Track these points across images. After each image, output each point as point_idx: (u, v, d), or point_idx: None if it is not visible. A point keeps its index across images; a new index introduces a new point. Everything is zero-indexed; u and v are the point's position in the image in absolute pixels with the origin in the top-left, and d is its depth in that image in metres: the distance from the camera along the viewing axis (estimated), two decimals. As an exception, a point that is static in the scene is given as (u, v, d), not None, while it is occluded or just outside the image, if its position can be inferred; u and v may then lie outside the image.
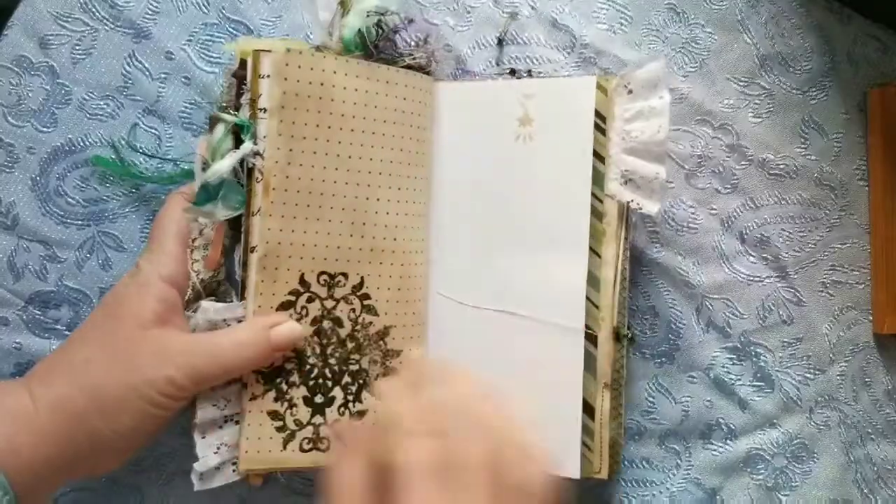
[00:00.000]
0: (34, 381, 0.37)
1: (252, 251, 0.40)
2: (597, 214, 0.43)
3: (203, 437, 0.40)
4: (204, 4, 0.47)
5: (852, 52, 0.49)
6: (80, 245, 0.46)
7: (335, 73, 0.41)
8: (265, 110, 0.40)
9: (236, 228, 0.41)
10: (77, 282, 0.45)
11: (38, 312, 0.45)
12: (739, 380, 0.48)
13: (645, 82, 0.43)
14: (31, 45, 0.45)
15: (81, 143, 0.46)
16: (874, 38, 0.49)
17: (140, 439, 0.39)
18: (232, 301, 0.41)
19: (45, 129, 0.45)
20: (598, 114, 0.44)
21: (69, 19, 0.46)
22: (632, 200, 0.43)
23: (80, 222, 0.46)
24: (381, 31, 0.43)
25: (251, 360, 0.39)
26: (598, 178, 0.44)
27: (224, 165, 0.39)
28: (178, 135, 0.46)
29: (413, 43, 0.45)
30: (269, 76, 0.40)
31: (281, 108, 0.40)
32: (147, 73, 0.46)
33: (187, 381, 0.37)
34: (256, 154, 0.40)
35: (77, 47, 0.46)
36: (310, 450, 0.41)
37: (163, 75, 0.46)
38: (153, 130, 0.46)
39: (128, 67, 0.46)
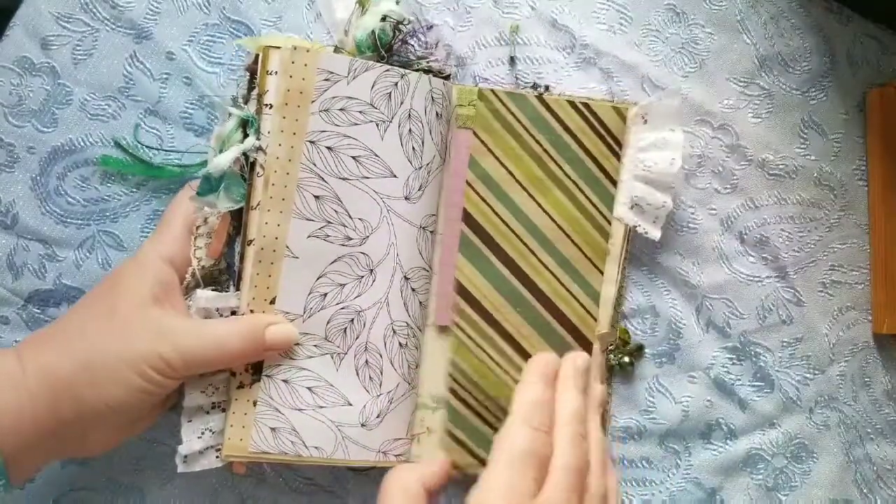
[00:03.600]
0: (25, 347, 0.38)
1: (249, 244, 0.41)
2: (604, 235, 0.46)
3: (189, 422, 0.40)
4: (205, 5, 0.47)
5: (852, 52, 0.49)
6: (79, 244, 0.46)
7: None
8: (271, 106, 0.40)
9: (240, 220, 0.42)
10: (75, 280, 0.46)
11: (38, 311, 0.45)
12: (739, 380, 0.48)
13: (662, 115, 0.46)
14: (33, 46, 0.45)
15: (81, 143, 0.46)
16: (874, 39, 0.49)
17: (129, 416, 0.39)
18: (229, 291, 0.41)
19: (45, 130, 0.45)
20: (614, 139, 0.46)
21: (70, 20, 0.46)
22: (638, 225, 0.46)
23: (79, 222, 0.46)
24: (396, 33, 0.44)
25: (243, 354, 0.39)
26: (608, 201, 0.46)
27: (225, 158, 0.40)
28: (179, 135, 0.46)
29: (426, 47, 0.45)
30: (276, 72, 0.40)
31: (284, 105, 0.40)
32: (148, 73, 0.46)
33: (179, 361, 0.38)
34: (259, 149, 0.40)
35: (78, 48, 0.46)
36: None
37: (164, 76, 0.46)
38: (154, 131, 0.46)
39: (129, 68, 0.46)
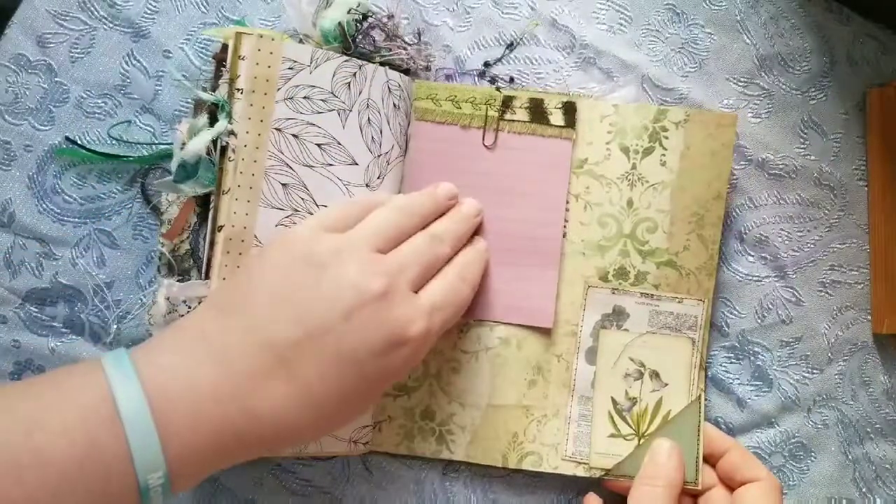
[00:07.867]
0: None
1: (219, 230, 0.41)
2: None
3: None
4: (203, 4, 0.47)
5: (852, 52, 0.49)
6: (76, 242, 0.45)
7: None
8: (242, 91, 0.41)
9: (205, 206, 0.42)
10: (71, 279, 0.45)
11: (35, 309, 0.45)
12: (738, 379, 0.48)
13: None
14: (29, 44, 0.45)
15: (79, 142, 0.45)
16: (873, 39, 0.49)
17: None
18: (191, 279, 0.41)
19: (42, 128, 0.45)
20: None
21: (67, 18, 0.46)
22: None
23: (76, 220, 0.46)
24: (360, 25, 0.44)
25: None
26: None
27: (199, 143, 0.40)
28: (174, 133, 0.46)
29: (390, 41, 0.45)
30: (246, 58, 0.41)
31: (252, 92, 0.41)
32: (145, 71, 0.46)
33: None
34: (231, 133, 0.41)
35: (75, 46, 0.46)
36: None
37: (160, 74, 0.46)
38: (148, 128, 0.46)
39: (126, 66, 0.46)
